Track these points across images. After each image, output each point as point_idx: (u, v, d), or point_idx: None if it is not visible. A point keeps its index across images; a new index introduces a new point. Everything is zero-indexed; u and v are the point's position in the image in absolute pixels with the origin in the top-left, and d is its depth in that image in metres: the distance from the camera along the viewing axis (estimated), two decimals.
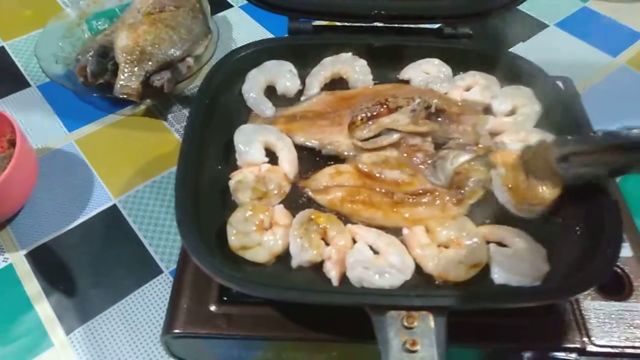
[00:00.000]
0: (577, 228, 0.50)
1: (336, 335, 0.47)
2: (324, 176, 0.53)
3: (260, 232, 0.48)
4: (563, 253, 0.48)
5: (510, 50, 0.87)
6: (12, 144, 0.68)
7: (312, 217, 0.49)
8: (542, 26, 1.00)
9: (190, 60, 0.83)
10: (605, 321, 0.49)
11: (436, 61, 0.63)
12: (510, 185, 0.51)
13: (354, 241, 0.49)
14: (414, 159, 0.55)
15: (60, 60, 0.83)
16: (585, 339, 0.48)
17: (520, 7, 1.02)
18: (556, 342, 0.48)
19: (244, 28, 0.97)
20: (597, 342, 0.48)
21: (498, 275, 0.46)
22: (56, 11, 0.91)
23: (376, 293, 0.43)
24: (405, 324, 0.40)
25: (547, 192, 0.49)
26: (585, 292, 0.49)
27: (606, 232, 0.46)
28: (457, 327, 0.41)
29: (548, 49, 0.95)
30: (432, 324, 0.40)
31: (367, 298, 0.42)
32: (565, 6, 1.04)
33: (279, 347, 0.50)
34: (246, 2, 1.00)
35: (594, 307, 0.50)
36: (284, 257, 0.49)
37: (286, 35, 0.65)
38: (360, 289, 0.44)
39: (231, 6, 1.01)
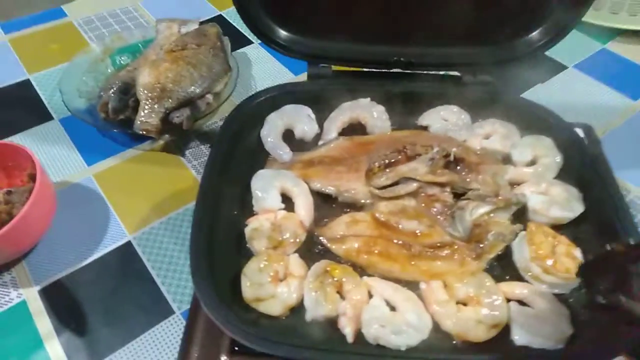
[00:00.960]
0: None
1: None
2: (340, 225, 0.53)
3: (275, 283, 0.47)
4: (586, 314, 0.46)
5: (528, 91, 0.86)
6: (32, 178, 0.69)
7: (328, 269, 0.48)
8: (561, 68, 0.99)
9: (209, 97, 0.84)
10: None
11: (455, 108, 0.63)
12: (534, 247, 0.49)
13: (370, 294, 0.48)
14: (432, 209, 0.54)
15: (83, 95, 0.85)
16: None
17: None
18: None
19: (263, 65, 0.98)
20: None
21: (519, 337, 0.45)
22: (82, 46, 0.94)
23: (392, 355, 0.42)
24: None
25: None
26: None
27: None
28: None
29: (567, 91, 0.94)
30: None
31: None
32: (585, 47, 1.03)
33: None
34: None
35: None
36: (298, 309, 0.48)
37: (305, 78, 0.65)
38: (377, 350, 0.43)
39: (251, 42, 1.03)
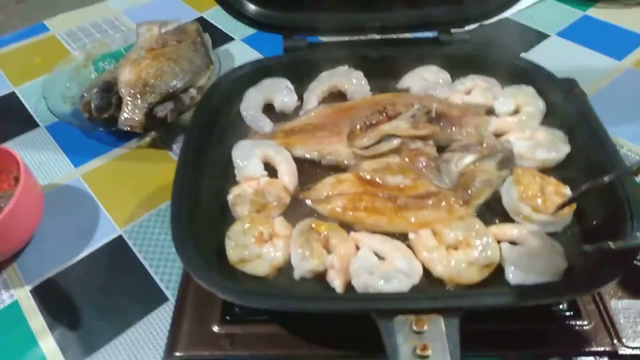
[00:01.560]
0: (594, 222, 0.47)
1: (344, 351, 0.45)
2: (325, 186, 0.52)
3: (260, 244, 0.46)
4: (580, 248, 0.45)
5: None
6: (19, 181, 0.68)
7: (313, 225, 0.47)
8: (543, 36, 0.99)
9: (193, 91, 0.83)
10: (637, 320, 0.45)
11: (434, 68, 0.63)
12: (522, 187, 0.48)
13: (357, 248, 0.47)
14: (417, 163, 0.53)
15: (68, 100, 0.85)
16: (616, 342, 0.44)
17: (519, 20, 1.02)
18: (584, 346, 0.45)
19: (245, 59, 0.96)
20: (630, 344, 0.44)
21: (513, 275, 0.44)
22: (65, 56, 0.94)
23: (382, 297, 0.41)
24: (415, 328, 0.37)
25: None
26: (611, 289, 0.46)
27: (626, 222, 0.43)
28: (475, 334, 0.38)
29: (551, 57, 0.94)
30: (443, 327, 0.38)
31: (372, 303, 0.40)
32: (566, 16, 1.03)
33: None
34: (247, 35, 1.03)
35: (622, 307, 0.46)
36: (286, 269, 0.47)
37: (282, 53, 0.65)
38: (365, 294, 0.42)
39: (232, 39, 1.04)
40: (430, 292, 0.43)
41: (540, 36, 0.99)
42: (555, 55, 0.94)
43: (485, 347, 0.44)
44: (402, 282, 0.42)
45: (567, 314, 0.47)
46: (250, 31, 1.04)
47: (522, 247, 0.45)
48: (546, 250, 0.44)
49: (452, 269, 0.44)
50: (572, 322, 0.46)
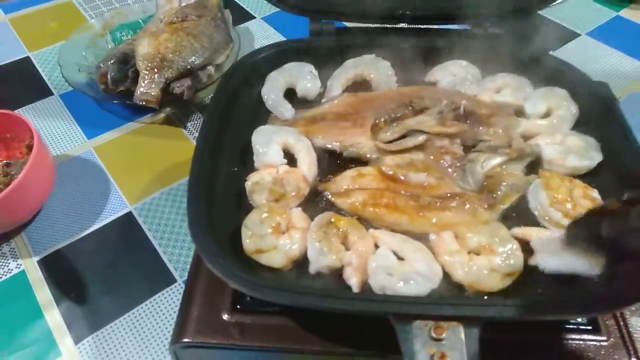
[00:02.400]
0: None
1: (356, 349, 0.44)
2: (345, 179, 0.50)
3: (277, 235, 0.45)
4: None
5: None
6: (31, 149, 0.67)
7: (332, 220, 0.45)
8: (574, 35, 0.96)
9: (211, 68, 0.82)
10: None
11: (464, 63, 0.60)
12: (552, 191, 0.46)
13: (376, 246, 0.46)
14: (441, 162, 0.51)
15: (83, 69, 0.84)
16: None
17: (551, 16, 0.99)
18: None
19: (266, 38, 0.96)
20: None
21: (545, 261, 0.42)
22: (81, 23, 0.92)
23: (401, 300, 0.40)
24: (433, 335, 0.36)
25: None
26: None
27: None
28: (487, 342, 0.37)
29: (580, 57, 0.91)
30: (462, 335, 0.36)
31: (391, 306, 0.38)
32: (597, 15, 1.00)
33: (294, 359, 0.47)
34: (268, 13, 1.01)
35: None
36: (302, 262, 0.46)
37: (308, 37, 0.63)
38: (384, 295, 0.41)
39: (253, 17, 1.01)
40: (450, 298, 0.42)
41: (570, 35, 0.96)
42: (585, 56, 0.91)
43: (498, 357, 0.43)
44: (421, 285, 0.41)
45: (585, 327, 0.46)
46: (271, 10, 1.02)
47: (552, 234, 0.44)
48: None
49: (473, 275, 0.42)
50: (590, 337, 0.45)
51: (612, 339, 0.45)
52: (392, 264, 0.43)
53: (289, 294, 0.39)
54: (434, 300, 0.40)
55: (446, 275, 0.44)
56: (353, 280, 0.43)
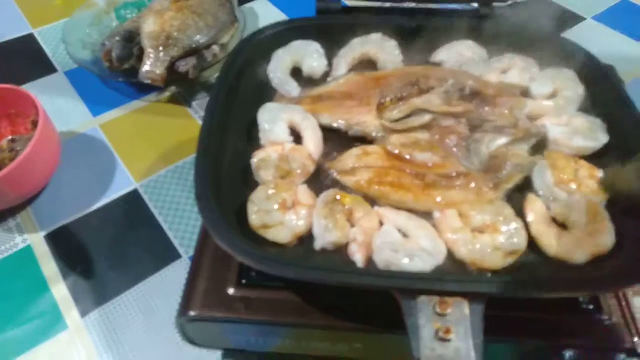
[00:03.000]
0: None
1: (361, 324, 0.44)
2: (351, 157, 0.51)
3: (283, 211, 0.45)
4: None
5: None
6: (36, 125, 0.67)
7: (338, 197, 0.46)
8: (579, 19, 0.95)
9: (216, 48, 0.81)
10: None
11: (470, 43, 0.60)
12: (557, 171, 0.47)
13: (381, 224, 0.46)
14: (447, 141, 0.51)
15: (88, 47, 0.83)
16: (636, 339, 0.43)
17: (556, 0, 0.98)
18: (602, 341, 0.44)
19: (271, 19, 0.95)
20: None
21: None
22: (85, 0, 0.91)
23: (407, 276, 0.40)
24: (438, 310, 0.37)
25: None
26: None
27: None
28: (491, 319, 0.37)
29: (586, 41, 0.90)
30: (467, 311, 0.37)
31: (397, 281, 0.39)
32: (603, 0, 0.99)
33: (299, 335, 0.47)
34: None
35: None
36: (307, 239, 0.46)
37: (314, 15, 0.62)
38: (390, 271, 0.41)
39: None
40: (455, 274, 0.42)
41: (575, 18, 0.95)
42: (591, 40, 0.90)
43: (499, 333, 0.44)
44: (425, 262, 0.42)
45: (587, 306, 0.46)
46: None
47: None
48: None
49: (477, 253, 0.43)
50: (592, 316, 0.45)
51: (614, 319, 0.45)
52: (397, 241, 0.43)
53: (297, 268, 0.39)
54: (440, 276, 0.41)
55: (450, 253, 0.44)
56: (358, 256, 0.43)
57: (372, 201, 0.48)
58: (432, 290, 0.37)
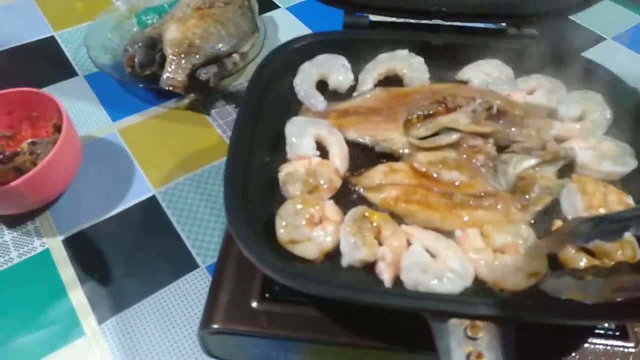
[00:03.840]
0: None
1: (385, 343, 0.44)
2: (377, 174, 0.51)
3: (310, 226, 0.45)
4: None
5: None
6: (58, 129, 0.67)
7: (366, 214, 0.46)
8: (599, 39, 0.95)
9: (236, 56, 0.82)
10: None
11: (497, 62, 0.60)
12: (587, 196, 0.46)
13: (409, 243, 0.46)
14: (474, 161, 0.51)
15: (109, 51, 0.84)
16: None
17: (576, 19, 0.98)
18: None
19: (290, 29, 0.96)
20: None
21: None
22: (108, 5, 0.92)
23: (437, 298, 0.40)
24: (469, 334, 0.36)
25: None
26: None
27: None
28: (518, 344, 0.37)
29: (605, 62, 0.90)
30: (498, 335, 0.37)
31: (428, 303, 0.39)
32: (623, 20, 1.00)
33: (321, 350, 0.47)
34: (293, 3, 1.00)
35: None
36: (333, 255, 0.46)
37: (341, 29, 0.63)
38: (421, 293, 0.41)
39: (278, 7, 1.01)
40: (487, 297, 0.42)
41: (596, 39, 0.95)
42: (610, 61, 0.90)
43: (521, 357, 0.43)
44: (454, 283, 0.41)
45: (612, 333, 0.46)
46: (295, 0, 1.01)
47: None
48: None
49: (499, 274, 0.42)
50: (616, 343, 0.45)
51: None
52: (425, 261, 0.43)
53: (327, 287, 0.39)
54: (471, 299, 0.40)
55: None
56: (386, 276, 0.43)
57: (398, 219, 0.48)
58: (463, 314, 0.37)
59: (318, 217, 0.46)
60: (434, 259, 0.44)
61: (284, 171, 0.49)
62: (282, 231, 0.45)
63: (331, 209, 0.47)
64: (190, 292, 0.60)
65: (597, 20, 0.99)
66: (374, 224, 0.45)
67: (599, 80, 0.58)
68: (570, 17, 0.98)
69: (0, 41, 0.90)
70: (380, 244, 0.45)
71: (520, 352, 0.37)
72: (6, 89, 0.67)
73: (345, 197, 0.50)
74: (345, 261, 0.44)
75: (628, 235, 0.45)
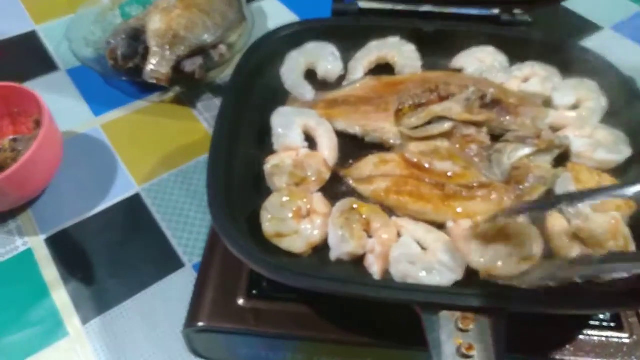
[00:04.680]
0: None
1: (374, 339, 0.42)
2: (368, 165, 0.49)
3: (297, 219, 0.44)
4: None
5: None
6: (38, 124, 0.65)
7: (355, 206, 0.44)
8: (596, 29, 0.94)
9: (223, 47, 0.80)
10: None
11: (491, 49, 0.58)
12: (581, 185, 0.45)
13: (399, 235, 0.44)
14: (467, 150, 0.50)
15: (91, 44, 0.81)
16: None
17: (573, 9, 0.97)
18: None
19: (279, 18, 0.94)
20: None
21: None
22: None
23: (428, 290, 0.38)
24: (460, 326, 0.35)
25: None
26: None
27: None
28: (511, 335, 0.36)
29: (603, 51, 0.89)
30: (489, 327, 0.35)
31: (418, 295, 0.37)
32: (622, 9, 0.98)
33: (310, 348, 0.45)
34: None
35: None
36: (321, 249, 0.44)
37: (330, 16, 0.61)
38: (411, 285, 0.39)
39: None
40: (477, 289, 0.40)
41: (593, 28, 0.94)
42: (608, 50, 0.88)
43: (519, 350, 0.42)
44: (444, 276, 0.40)
45: (607, 324, 0.45)
46: None
47: None
48: None
49: (489, 258, 0.41)
50: (612, 334, 0.44)
51: (634, 337, 0.44)
52: (415, 253, 0.41)
53: (314, 280, 0.38)
54: (462, 291, 0.39)
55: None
56: (375, 268, 0.41)
57: (389, 211, 0.47)
58: (454, 306, 0.36)
59: (305, 210, 0.45)
60: (423, 252, 0.42)
61: (270, 163, 0.48)
62: (268, 224, 0.43)
63: (319, 202, 0.45)
64: (176, 291, 0.58)
65: (594, 9, 0.97)
66: (363, 216, 0.44)
67: (594, 67, 0.56)
68: (566, 5, 0.96)
69: None
70: (370, 236, 0.44)
71: (513, 345, 0.36)
72: None
73: (335, 190, 0.49)
74: (333, 255, 0.43)
75: (622, 226, 0.44)
